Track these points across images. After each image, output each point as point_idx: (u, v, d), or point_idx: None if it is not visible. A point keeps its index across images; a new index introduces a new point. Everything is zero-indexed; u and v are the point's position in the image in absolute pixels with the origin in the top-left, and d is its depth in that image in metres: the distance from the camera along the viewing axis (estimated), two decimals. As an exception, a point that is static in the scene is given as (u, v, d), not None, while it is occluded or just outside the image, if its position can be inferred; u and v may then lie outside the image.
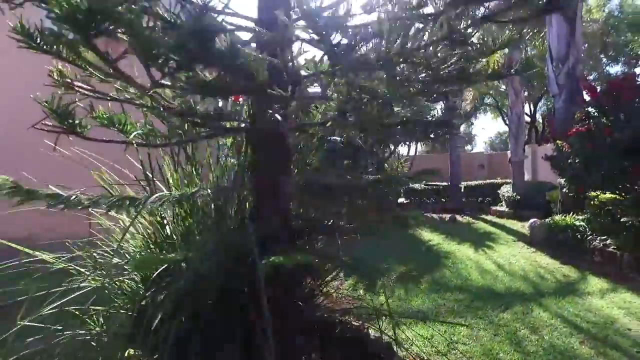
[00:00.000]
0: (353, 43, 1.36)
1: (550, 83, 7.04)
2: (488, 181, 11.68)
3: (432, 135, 2.43)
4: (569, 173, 5.71)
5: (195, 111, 1.58)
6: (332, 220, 2.15)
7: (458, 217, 9.73)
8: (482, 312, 3.60)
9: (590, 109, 5.60)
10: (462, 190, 11.41)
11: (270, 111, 1.77)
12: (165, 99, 1.58)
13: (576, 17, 6.58)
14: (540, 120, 20.13)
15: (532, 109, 19.43)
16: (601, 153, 5.01)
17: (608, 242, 5.35)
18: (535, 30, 10.60)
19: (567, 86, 6.62)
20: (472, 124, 21.19)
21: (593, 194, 5.80)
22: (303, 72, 1.31)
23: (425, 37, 1.49)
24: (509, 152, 17.60)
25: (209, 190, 1.84)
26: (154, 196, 1.69)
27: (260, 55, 1.20)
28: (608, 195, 5.73)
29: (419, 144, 12.78)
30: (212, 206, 2.16)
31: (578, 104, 6.10)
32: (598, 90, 5.58)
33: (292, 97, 1.38)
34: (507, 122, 10.06)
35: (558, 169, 6.23)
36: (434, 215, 10.28)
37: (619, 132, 4.81)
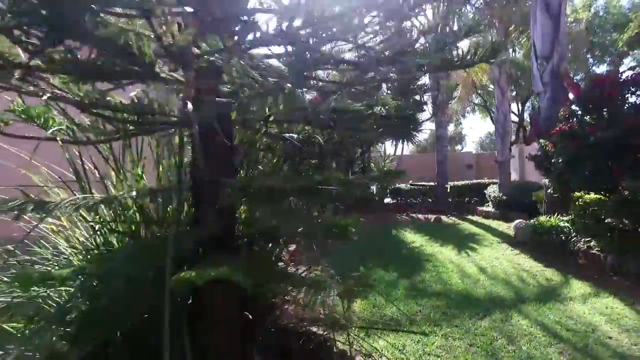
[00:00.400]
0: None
1: (534, 81, 6.91)
2: (475, 181, 11.57)
3: (394, 131, 2.23)
4: (553, 173, 5.57)
5: (106, 104, 1.35)
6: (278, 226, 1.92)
7: (444, 218, 9.58)
8: (460, 320, 3.42)
9: (574, 107, 5.47)
10: (449, 190, 11.28)
11: (209, 101, 1.56)
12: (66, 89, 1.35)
13: (560, 14, 6.45)
14: (529, 120, 20.15)
15: (520, 108, 19.43)
16: (585, 152, 4.86)
17: (592, 244, 5.21)
18: (521, 30, 10.49)
19: (551, 84, 6.49)
20: (460, 123, 21.01)
21: (577, 194, 5.68)
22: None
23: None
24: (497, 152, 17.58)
25: (135, 193, 1.62)
26: (65, 201, 1.46)
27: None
28: (592, 195, 5.60)
29: (406, 143, 12.58)
30: (148, 210, 1.93)
31: (562, 103, 5.97)
32: (581, 87, 5.45)
33: (196, 82, 1.16)
34: (494, 122, 9.94)
35: (542, 169, 6.09)
36: (420, 216, 10.12)
37: (603, 131, 4.67)
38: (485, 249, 6.11)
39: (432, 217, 9.90)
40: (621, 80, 4.90)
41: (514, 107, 19.67)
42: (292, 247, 3.47)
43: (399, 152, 15.54)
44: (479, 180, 11.64)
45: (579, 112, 5.38)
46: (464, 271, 4.92)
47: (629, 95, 4.93)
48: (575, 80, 8.43)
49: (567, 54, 7.27)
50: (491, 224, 8.44)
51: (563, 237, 5.66)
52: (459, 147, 39.56)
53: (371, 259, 5.61)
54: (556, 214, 6.25)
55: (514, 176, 13.16)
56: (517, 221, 7.44)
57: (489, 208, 9.70)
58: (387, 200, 12.38)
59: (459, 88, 12.93)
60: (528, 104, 19.24)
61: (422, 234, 7.51)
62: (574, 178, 5.18)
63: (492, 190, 9.83)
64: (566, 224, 5.81)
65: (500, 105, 9.64)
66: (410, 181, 12.29)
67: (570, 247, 5.46)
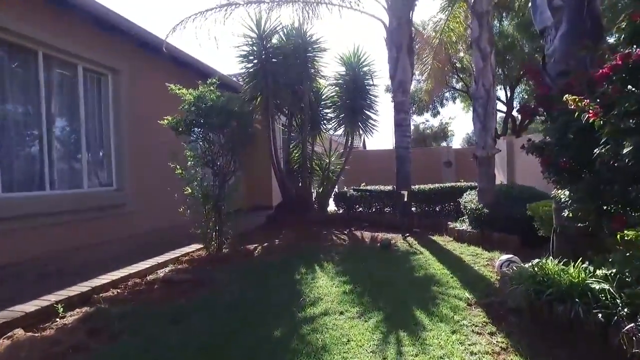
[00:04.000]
0: None
1: (537, 11, 3.92)
2: (448, 185, 8.50)
3: None
4: (584, 179, 2.53)
5: None
6: None
7: (398, 239, 6.54)
8: None
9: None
10: (412, 196, 8.21)
11: None
12: None
13: None
14: (516, 111, 17.04)
15: (509, 94, 16.43)
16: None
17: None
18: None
19: (569, 10, 3.46)
20: (438, 112, 17.84)
21: (631, 232, 2.62)
22: None
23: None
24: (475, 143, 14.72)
25: None
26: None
27: None
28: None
29: (364, 133, 9.48)
30: None
31: (591, 36, 2.99)
32: None
33: None
34: (471, 99, 6.84)
35: (553, 170, 3.08)
36: (366, 234, 7.03)
37: None
38: (440, 331, 3.04)
39: (381, 235, 6.83)
40: None
41: (500, 93, 16.68)
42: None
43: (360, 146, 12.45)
44: (454, 184, 8.57)
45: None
46: None
47: None
48: None
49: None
50: (464, 254, 5.41)
51: (601, 316, 2.63)
52: (444, 144, 36.59)
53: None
54: (576, 256, 3.23)
55: (501, 178, 10.21)
56: (503, 258, 4.42)
57: (464, 225, 6.68)
58: (332, 207, 9.27)
59: (429, 59, 9.83)
60: (518, 90, 16.23)
61: (345, 275, 4.44)
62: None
63: (470, 199, 6.81)
64: (604, 285, 2.79)
65: (481, 76, 6.62)
66: (363, 184, 9.20)
67: (616, 337, 2.44)
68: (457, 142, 48.55)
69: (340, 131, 9.55)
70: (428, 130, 37.14)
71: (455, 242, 6.32)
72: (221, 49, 41.92)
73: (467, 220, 6.79)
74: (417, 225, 7.61)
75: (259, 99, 8.27)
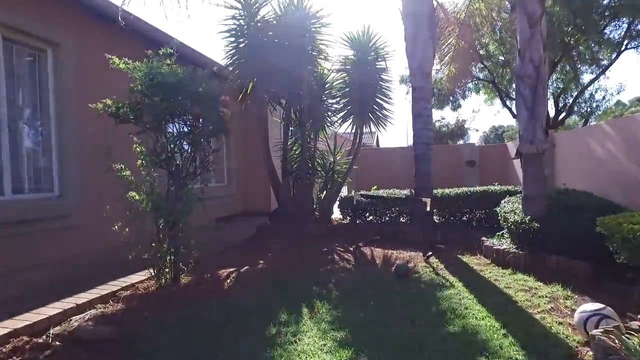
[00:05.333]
0: None
1: None
2: (478, 189, 6.94)
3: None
4: None
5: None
6: None
7: (420, 260, 5.05)
8: None
9: None
10: (435, 203, 6.70)
11: None
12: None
13: None
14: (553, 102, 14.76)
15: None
16: None
17: None
18: None
19: None
20: (459, 105, 15.93)
21: None
22: None
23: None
24: (508, 142, 12.86)
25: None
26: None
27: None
28: None
29: (376, 127, 7.97)
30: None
31: None
32: None
33: None
34: (515, 79, 5.22)
35: None
36: (376, 253, 5.54)
37: None
38: None
39: (396, 254, 5.34)
40: None
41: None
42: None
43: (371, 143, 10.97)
44: (485, 188, 6.99)
45: None
46: None
47: None
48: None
49: None
50: (512, 289, 3.89)
51: None
52: (461, 142, 34.58)
53: None
54: None
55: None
56: (587, 308, 2.91)
57: (504, 242, 5.14)
58: (338, 214, 7.80)
59: (452, 39, 8.22)
60: (553, 76, 14.04)
61: (344, 329, 2.98)
62: None
63: (511, 209, 5.26)
64: None
65: (527, 48, 5.06)
66: (374, 187, 7.72)
67: None
68: (474, 141, 46.46)
69: (347, 125, 8.07)
70: (444, 128, 35.22)
71: (495, 267, 4.80)
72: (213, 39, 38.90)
73: (507, 235, 5.26)
74: (441, 239, 6.10)
75: (250, 87, 6.90)
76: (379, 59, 7.71)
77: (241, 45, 6.64)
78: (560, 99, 14.82)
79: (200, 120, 4.03)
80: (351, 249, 5.88)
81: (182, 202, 3.90)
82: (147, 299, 3.62)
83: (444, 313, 3.35)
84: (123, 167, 3.90)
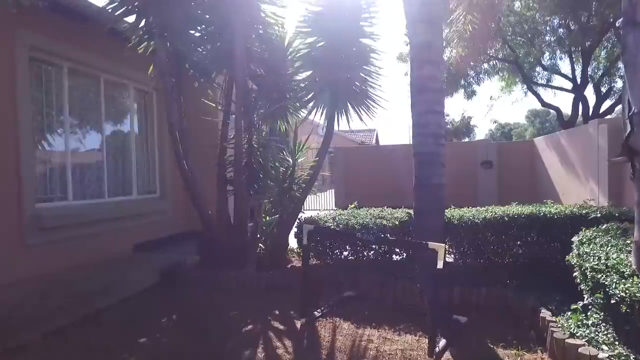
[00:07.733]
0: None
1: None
2: (522, 211, 4.11)
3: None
4: None
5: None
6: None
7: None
8: None
9: None
10: (449, 230, 4.07)
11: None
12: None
13: None
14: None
15: (577, 64, 11.66)
16: None
17: None
18: None
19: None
20: (471, 85, 12.75)
21: None
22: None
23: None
24: (539, 138, 10.26)
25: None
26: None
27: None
28: None
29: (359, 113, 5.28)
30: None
31: None
32: None
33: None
34: (623, 25, 2.59)
35: None
36: (340, 339, 2.91)
37: None
38: None
39: (376, 345, 2.71)
40: None
41: (561, 64, 12.14)
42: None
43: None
44: (535, 209, 4.17)
45: None
46: None
47: None
48: None
49: None
50: None
51: None
52: (466, 140, 31.70)
53: None
54: None
55: (601, 199, 5.77)
56: None
57: (600, 333, 2.51)
58: (296, 243, 5.15)
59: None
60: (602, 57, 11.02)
61: None
62: None
63: (605, 262, 2.62)
64: None
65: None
66: (353, 205, 5.08)
67: None
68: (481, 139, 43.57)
69: (316, 112, 5.44)
70: (449, 126, 32.40)
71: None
72: None
73: (599, 314, 2.63)
74: (461, 302, 3.49)
75: (150, 47, 4.35)
76: (363, 14, 5.08)
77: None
78: (603, 82, 11.94)
79: None
80: (301, 322, 3.27)
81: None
82: None
83: None
84: None
